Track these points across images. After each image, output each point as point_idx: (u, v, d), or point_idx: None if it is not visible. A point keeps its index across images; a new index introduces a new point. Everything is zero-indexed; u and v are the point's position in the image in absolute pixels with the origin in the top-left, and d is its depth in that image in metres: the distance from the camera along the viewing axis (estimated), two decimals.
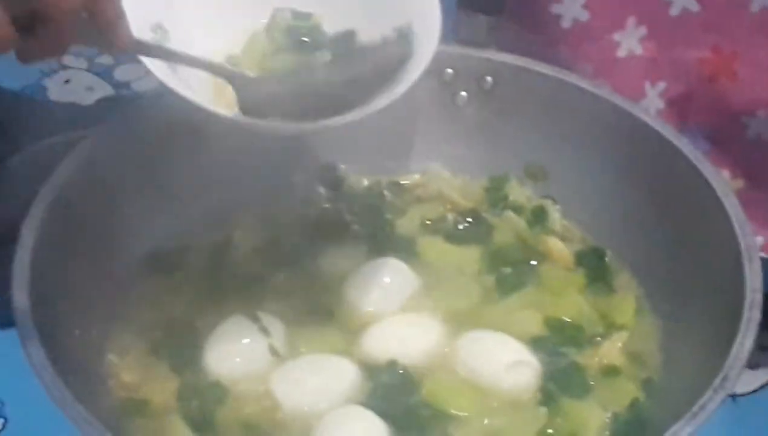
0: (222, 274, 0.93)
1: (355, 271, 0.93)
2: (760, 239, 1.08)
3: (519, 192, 1.00)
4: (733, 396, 1.08)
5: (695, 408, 0.76)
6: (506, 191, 1.00)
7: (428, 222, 0.98)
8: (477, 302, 0.92)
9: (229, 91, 0.82)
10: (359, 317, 0.90)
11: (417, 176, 1.02)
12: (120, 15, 0.74)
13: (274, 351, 0.87)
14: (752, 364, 1.11)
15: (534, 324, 0.90)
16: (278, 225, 0.98)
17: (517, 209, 0.99)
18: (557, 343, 0.89)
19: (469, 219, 0.98)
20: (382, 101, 0.80)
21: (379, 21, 0.87)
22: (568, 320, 0.91)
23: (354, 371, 0.86)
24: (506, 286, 0.93)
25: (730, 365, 0.79)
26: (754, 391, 1.08)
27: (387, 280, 0.92)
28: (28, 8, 0.69)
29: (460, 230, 0.97)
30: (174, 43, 0.84)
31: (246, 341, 0.87)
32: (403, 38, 0.85)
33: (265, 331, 0.87)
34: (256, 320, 0.88)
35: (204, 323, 0.89)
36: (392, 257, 0.94)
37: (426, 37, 0.84)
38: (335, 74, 0.83)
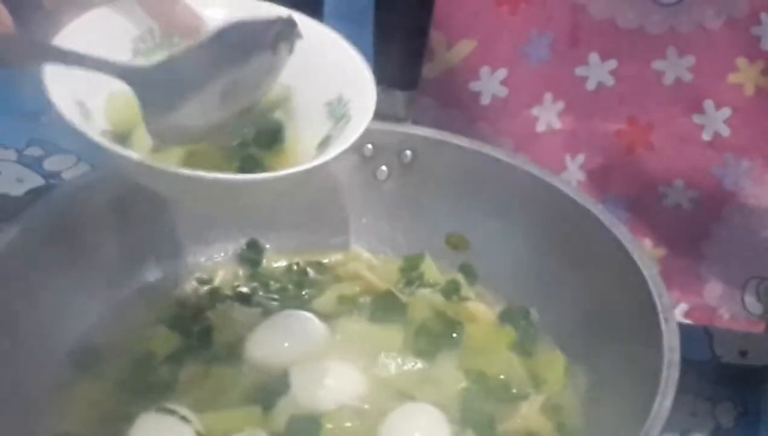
0: (141, 378, 0.93)
1: (256, 328, 0.93)
2: (683, 306, 1.09)
3: (434, 269, 1.01)
4: None
5: None
6: (421, 270, 1.01)
7: (346, 301, 0.98)
8: (401, 362, 0.93)
9: None
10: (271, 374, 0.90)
11: (338, 256, 1.03)
12: None
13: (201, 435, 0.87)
14: (683, 430, 1.12)
15: (459, 382, 0.91)
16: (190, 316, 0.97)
17: (432, 286, 1.00)
18: (481, 400, 0.90)
19: (385, 300, 0.98)
20: (317, 161, 0.79)
21: (311, 91, 0.87)
22: (498, 376, 0.91)
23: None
24: (430, 354, 0.93)
25: (650, 425, 0.79)
26: None
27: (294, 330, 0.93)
28: None
29: (379, 310, 0.97)
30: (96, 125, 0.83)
31: (172, 432, 0.87)
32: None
33: (185, 419, 0.87)
34: (172, 413, 0.87)
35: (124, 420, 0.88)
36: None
37: (360, 106, 0.83)
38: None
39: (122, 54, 0.83)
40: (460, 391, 0.90)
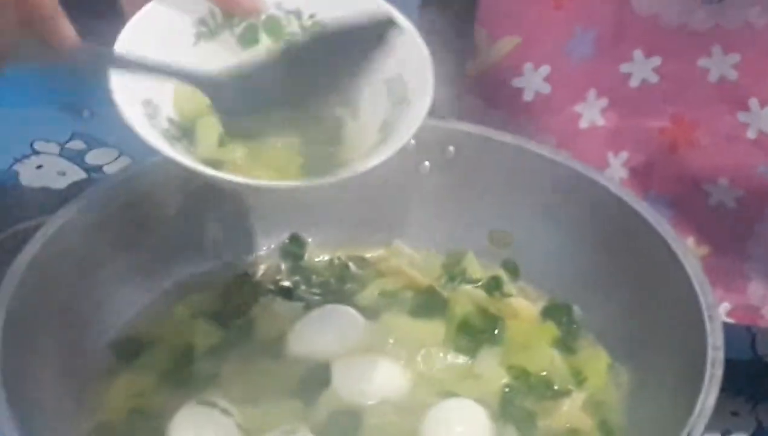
0: (181, 370, 0.93)
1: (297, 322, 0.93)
2: (726, 305, 1.09)
3: (476, 265, 1.00)
4: None
5: None
6: (464, 266, 1.00)
7: (387, 296, 0.98)
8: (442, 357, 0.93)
9: None
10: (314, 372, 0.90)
11: (380, 251, 1.03)
12: (56, 9, 0.72)
13: (242, 428, 0.86)
14: (724, 430, 1.12)
15: (501, 378, 0.91)
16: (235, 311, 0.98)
17: (474, 282, 0.99)
18: (522, 396, 0.89)
19: (427, 296, 0.98)
20: (378, 157, 0.80)
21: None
22: (540, 372, 0.91)
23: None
24: (471, 349, 0.93)
25: (693, 423, 0.79)
26: None
27: (335, 324, 0.93)
28: None
29: (421, 305, 0.97)
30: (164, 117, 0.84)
31: (213, 424, 0.87)
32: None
33: (226, 412, 0.87)
34: (213, 405, 0.87)
35: (163, 412, 0.88)
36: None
37: (420, 89, 0.84)
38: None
39: (185, 39, 0.85)
40: (501, 387, 0.90)
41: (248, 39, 0.88)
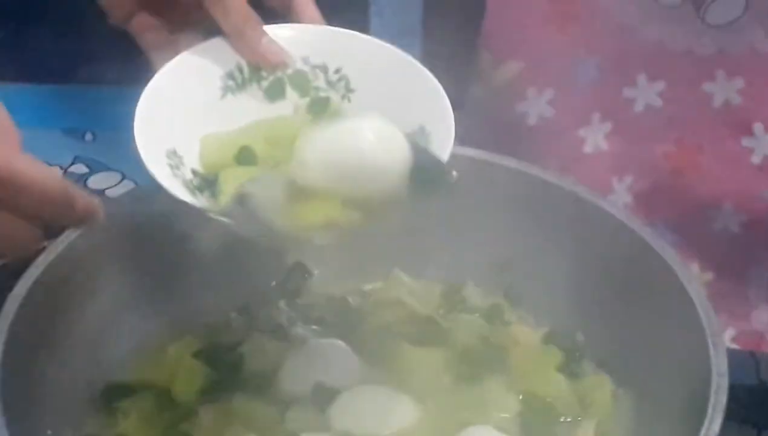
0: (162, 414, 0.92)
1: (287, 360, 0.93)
2: (731, 331, 1.08)
3: (476, 295, 1.00)
4: None
5: None
6: (463, 295, 1.00)
7: (389, 327, 0.97)
8: (448, 386, 0.92)
9: None
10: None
11: (379, 282, 1.02)
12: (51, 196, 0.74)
13: None
14: None
15: (512, 405, 0.90)
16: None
17: (473, 311, 0.99)
18: (540, 422, 0.89)
19: (427, 326, 0.97)
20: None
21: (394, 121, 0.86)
22: (548, 397, 0.91)
23: None
24: (477, 379, 0.93)
25: None
26: None
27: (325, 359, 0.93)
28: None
29: (421, 336, 0.96)
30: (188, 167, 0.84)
31: None
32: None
33: None
34: None
35: None
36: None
37: (441, 137, 0.84)
38: None
39: (212, 92, 0.86)
40: (514, 414, 0.89)
41: (275, 93, 0.88)
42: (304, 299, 1.01)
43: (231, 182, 0.82)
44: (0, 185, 0.69)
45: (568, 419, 0.90)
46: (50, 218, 0.72)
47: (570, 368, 0.94)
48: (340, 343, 0.94)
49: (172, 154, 0.82)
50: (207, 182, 0.83)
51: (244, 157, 0.85)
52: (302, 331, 0.97)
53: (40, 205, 0.72)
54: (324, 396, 0.89)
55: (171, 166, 0.81)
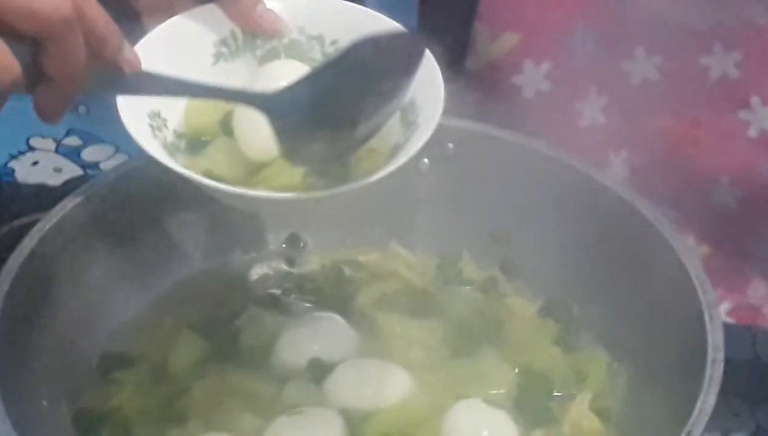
0: (158, 386, 0.92)
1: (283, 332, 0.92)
2: (727, 305, 1.08)
3: (472, 267, 1.00)
4: None
5: None
6: (459, 267, 1.00)
7: (385, 298, 0.97)
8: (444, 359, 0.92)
9: None
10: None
11: (375, 253, 1.02)
12: (121, 39, 0.72)
13: None
14: (724, 430, 1.11)
15: (508, 378, 0.90)
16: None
17: (470, 283, 0.99)
18: (536, 395, 0.89)
19: (423, 298, 0.97)
20: (386, 170, 0.79)
21: None
22: (544, 370, 0.91)
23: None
24: (472, 351, 0.92)
25: (693, 422, 0.78)
26: None
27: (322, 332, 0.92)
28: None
29: (417, 308, 0.96)
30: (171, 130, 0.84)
31: None
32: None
33: None
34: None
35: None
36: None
37: (429, 109, 0.84)
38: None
39: (204, 58, 0.85)
40: (509, 387, 0.89)
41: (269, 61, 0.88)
42: (299, 269, 1.01)
43: (220, 151, 0.84)
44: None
45: (563, 391, 0.90)
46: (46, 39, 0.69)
47: (566, 341, 0.94)
48: (337, 317, 0.94)
49: (156, 115, 0.82)
50: (190, 145, 0.84)
51: (229, 123, 0.85)
52: (298, 303, 0.97)
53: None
54: (320, 370, 0.89)
55: (152, 127, 0.81)
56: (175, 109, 0.84)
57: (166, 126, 0.83)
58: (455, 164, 0.99)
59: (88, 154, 1.31)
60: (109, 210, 0.94)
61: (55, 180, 1.28)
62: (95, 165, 1.30)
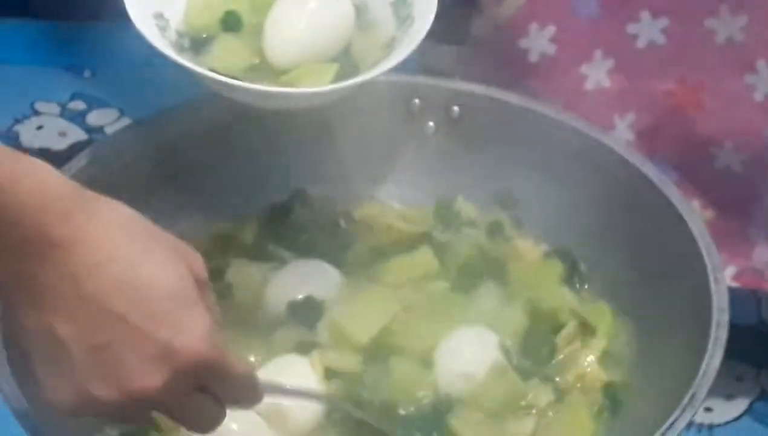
0: None
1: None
2: (732, 270, 1.08)
3: (470, 208, 0.99)
4: (710, 426, 1.08)
5: (664, 427, 0.76)
6: (456, 209, 0.99)
7: (380, 248, 0.97)
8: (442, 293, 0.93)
9: None
10: None
11: (373, 209, 1.01)
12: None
13: None
14: (728, 395, 1.11)
15: (512, 316, 0.90)
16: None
17: (472, 225, 0.98)
18: (538, 334, 0.89)
19: (421, 241, 0.96)
20: (382, 67, 0.82)
21: None
22: (550, 308, 0.91)
23: None
24: (475, 289, 0.93)
25: (697, 384, 0.79)
26: (731, 421, 1.08)
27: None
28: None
29: (415, 248, 0.95)
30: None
31: None
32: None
33: None
34: None
35: None
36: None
37: (424, 7, 0.86)
38: None
39: None
40: (516, 326, 0.90)
41: None
42: (294, 221, 1.00)
43: (227, 49, 0.87)
44: (213, 374, 0.69)
45: (568, 329, 0.90)
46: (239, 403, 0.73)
47: (572, 282, 0.94)
48: (321, 262, 0.94)
49: (159, 16, 0.85)
50: (192, 43, 0.87)
51: (230, 21, 0.89)
52: (289, 254, 0.96)
53: (240, 393, 0.72)
54: (308, 312, 0.90)
55: (159, 28, 0.84)
56: (175, 11, 0.87)
57: (169, 26, 0.86)
58: (461, 127, 0.99)
59: (93, 117, 1.31)
60: (113, 174, 0.93)
61: (59, 144, 1.28)
62: (100, 129, 1.29)
